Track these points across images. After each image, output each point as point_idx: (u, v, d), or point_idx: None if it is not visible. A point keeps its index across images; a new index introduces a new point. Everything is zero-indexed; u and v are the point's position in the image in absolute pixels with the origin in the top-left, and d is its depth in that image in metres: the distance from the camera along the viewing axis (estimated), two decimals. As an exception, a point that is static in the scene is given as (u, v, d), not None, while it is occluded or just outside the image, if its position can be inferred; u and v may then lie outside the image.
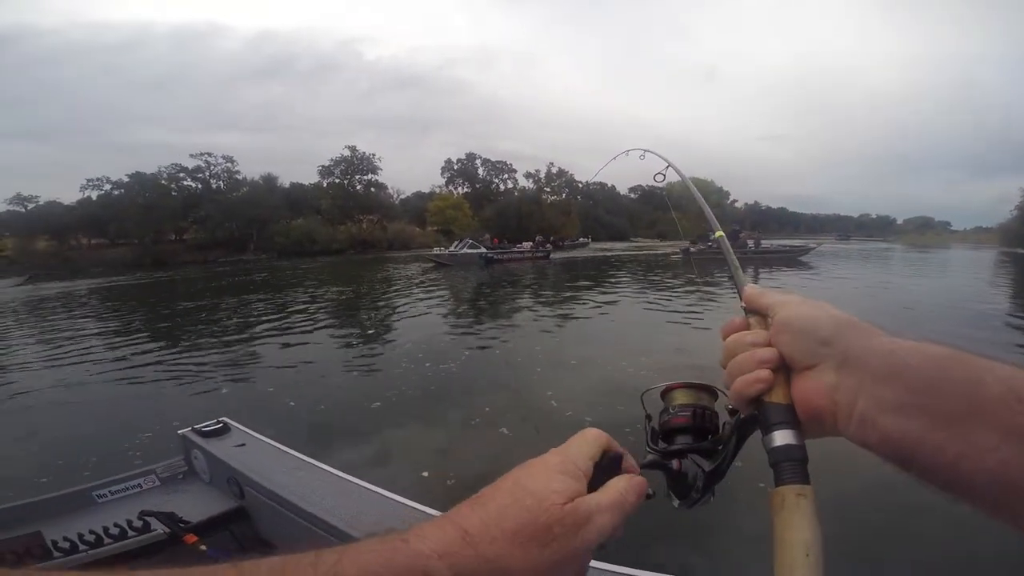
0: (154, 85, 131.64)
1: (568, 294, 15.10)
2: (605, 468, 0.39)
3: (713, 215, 0.75)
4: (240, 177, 62.31)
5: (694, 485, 0.47)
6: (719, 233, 0.68)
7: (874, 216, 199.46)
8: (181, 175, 59.28)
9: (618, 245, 58.35)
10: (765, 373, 0.41)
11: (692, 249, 31.46)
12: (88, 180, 57.00)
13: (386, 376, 6.56)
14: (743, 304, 0.49)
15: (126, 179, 56.31)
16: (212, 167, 60.77)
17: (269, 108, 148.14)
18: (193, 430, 2.21)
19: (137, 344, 9.55)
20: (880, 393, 0.35)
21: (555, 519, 0.33)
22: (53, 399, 6.29)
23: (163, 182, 57.81)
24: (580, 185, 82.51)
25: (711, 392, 0.51)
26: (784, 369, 0.41)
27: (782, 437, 0.38)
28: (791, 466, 0.36)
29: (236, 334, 10.22)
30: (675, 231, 69.52)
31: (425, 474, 3.82)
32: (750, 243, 31.07)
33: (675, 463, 0.48)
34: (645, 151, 1.02)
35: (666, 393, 0.54)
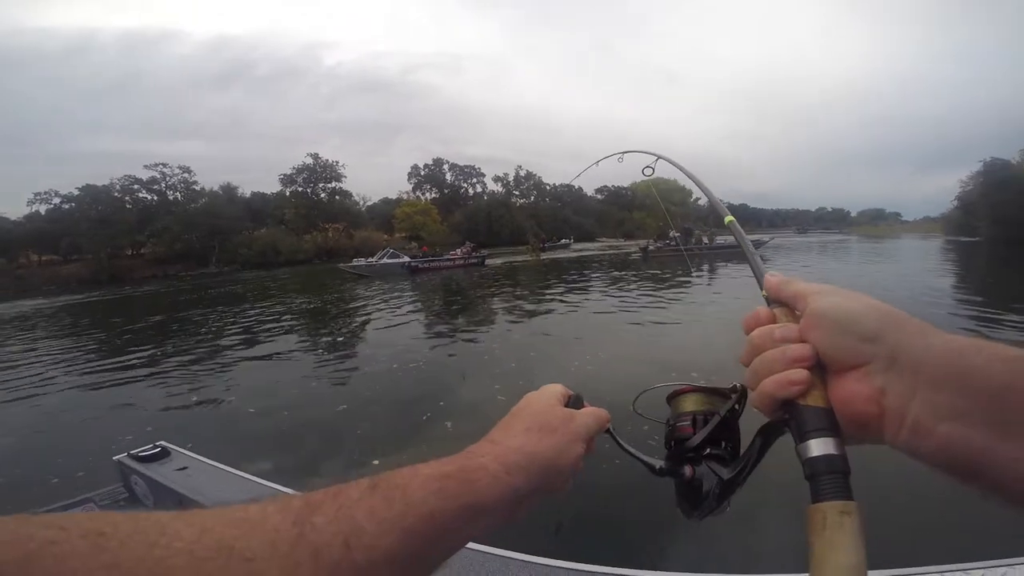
0: (104, 93, 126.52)
1: (486, 302, 14.89)
2: (574, 404, 0.50)
3: (719, 201, 0.72)
4: (198, 187, 60.58)
5: (709, 494, 0.45)
6: (729, 219, 0.63)
7: (830, 209, 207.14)
8: (135, 187, 57.20)
9: (591, 245, 58.85)
10: (801, 373, 0.37)
11: (651, 247, 32.79)
12: (36, 194, 54.75)
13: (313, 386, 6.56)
14: (764, 293, 0.44)
15: (76, 192, 54.10)
16: (168, 178, 58.87)
17: (229, 115, 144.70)
18: (130, 455, 2.19)
19: (83, 366, 9.23)
20: (939, 398, 0.32)
21: (554, 417, 0.47)
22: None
23: (116, 194, 55.71)
24: (548, 187, 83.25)
25: (723, 395, 0.49)
26: (819, 368, 0.37)
27: (821, 446, 0.34)
28: (833, 479, 0.33)
29: (187, 352, 9.95)
30: (641, 230, 70.86)
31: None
32: (704, 240, 32.32)
33: (688, 470, 0.46)
34: (636, 151, 1.06)
35: (672, 398, 0.52)
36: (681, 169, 0.87)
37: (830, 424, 0.35)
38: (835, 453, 0.34)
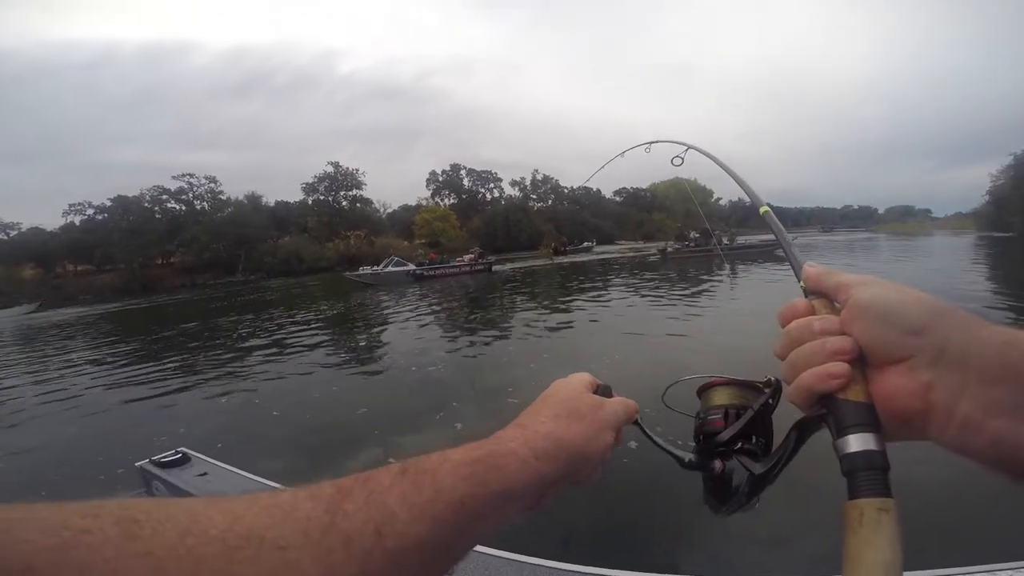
0: (128, 104, 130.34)
1: (496, 307, 15.03)
2: (602, 393, 0.50)
3: (753, 191, 0.71)
4: (224, 197, 62.28)
5: (738, 490, 0.44)
6: (764, 209, 0.62)
7: (856, 207, 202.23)
8: (164, 197, 59.15)
9: (612, 248, 58.28)
10: (841, 367, 0.36)
11: (669, 249, 32.69)
12: (70, 205, 56.84)
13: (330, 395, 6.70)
14: (802, 285, 0.43)
15: (108, 203, 56.13)
16: (195, 188, 60.68)
17: (249, 125, 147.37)
18: (151, 462, 2.29)
19: (119, 372, 9.58)
20: (991, 393, 0.31)
21: (583, 404, 0.46)
22: (10, 434, 6.28)
23: (146, 205, 57.65)
24: (566, 190, 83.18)
25: (756, 389, 0.48)
26: (860, 362, 0.36)
27: (860, 442, 0.33)
28: (872, 476, 0.32)
29: (214, 358, 10.24)
30: (661, 232, 70.19)
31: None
32: (724, 240, 32.16)
33: (718, 464, 0.45)
34: (664, 141, 1.03)
35: (703, 391, 0.51)
36: (712, 158, 0.86)
37: (871, 419, 0.34)
38: (875, 449, 0.33)
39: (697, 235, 35.00)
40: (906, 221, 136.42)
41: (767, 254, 28.21)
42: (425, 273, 28.07)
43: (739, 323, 9.06)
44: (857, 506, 0.31)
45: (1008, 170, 40.31)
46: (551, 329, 10.24)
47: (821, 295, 0.41)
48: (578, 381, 0.50)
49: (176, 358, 10.56)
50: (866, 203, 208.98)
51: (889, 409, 0.34)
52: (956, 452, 0.33)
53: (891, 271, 18.87)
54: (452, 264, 31.32)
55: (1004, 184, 40.88)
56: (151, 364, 10.07)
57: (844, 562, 0.30)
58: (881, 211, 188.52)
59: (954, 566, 1.29)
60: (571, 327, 10.21)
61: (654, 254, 35.15)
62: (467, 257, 33.09)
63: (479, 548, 1.46)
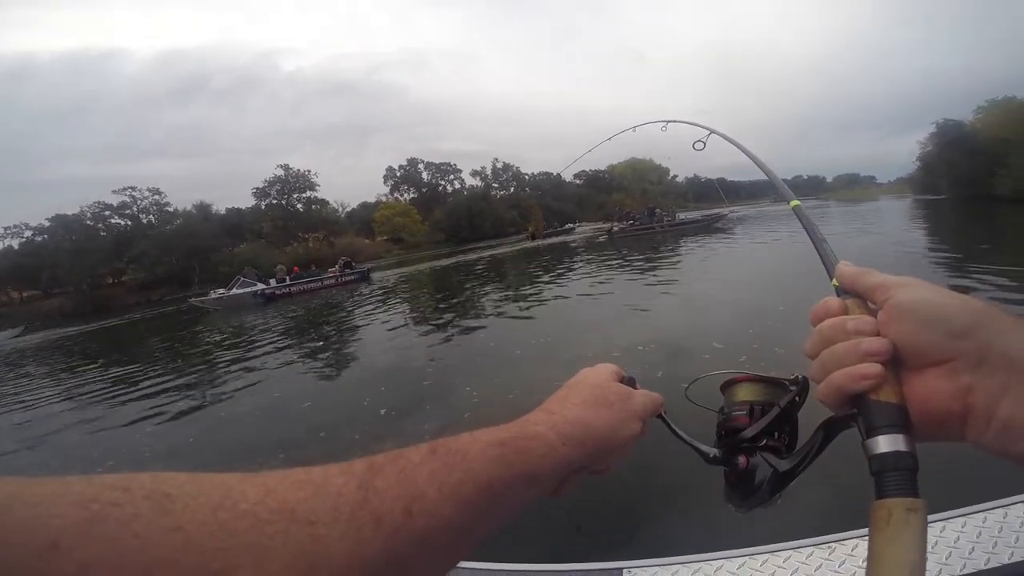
0: (56, 118, 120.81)
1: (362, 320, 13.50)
2: (627, 384, 0.50)
3: (782, 182, 0.73)
4: (171, 209, 60.20)
5: (761, 486, 0.44)
6: (795, 203, 0.62)
7: (806, 177, 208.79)
8: (107, 213, 56.84)
9: (579, 230, 58.62)
10: (874, 367, 0.35)
11: (615, 229, 33.74)
12: (5, 228, 54.16)
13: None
14: (835, 284, 0.43)
15: (47, 223, 53.65)
16: (139, 201, 58.47)
17: (192, 131, 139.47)
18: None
19: (50, 400, 9.30)
20: None
21: (611, 392, 0.47)
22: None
23: (88, 223, 55.34)
24: (527, 177, 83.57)
25: (782, 386, 0.48)
26: (893, 363, 0.36)
27: (890, 442, 0.33)
28: (901, 476, 0.32)
29: (155, 378, 9.92)
30: (620, 212, 71.37)
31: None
32: (666, 218, 33.47)
33: (742, 460, 0.46)
34: (684, 122, 1.02)
35: (727, 387, 0.52)
36: (738, 146, 0.86)
37: (902, 420, 0.34)
38: (905, 450, 0.33)
39: (643, 213, 36.18)
40: (852, 188, 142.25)
41: (707, 228, 29.55)
42: (278, 292, 24.24)
43: (685, 303, 9.38)
44: (885, 506, 0.31)
45: (933, 137, 42.91)
46: (472, 335, 10.01)
47: (855, 295, 0.40)
48: (605, 370, 0.50)
49: (105, 382, 10.27)
50: (815, 172, 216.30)
51: (925, 411, 0.34)
52: (995, 454, 0.33)
53: (835, 232, 19.92)
54: (315, 277, 26.59)
55: (931, 150, 43.49)
56: (85, 392, 9.76)
57: (869, 560, 0.30)
58: (829, 180, 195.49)
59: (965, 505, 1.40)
60: (500, 329, 10.06)
61: (602, 235, 35.97)
62: (334, 268, 28.19)
63: (471, 564, 1.32)
